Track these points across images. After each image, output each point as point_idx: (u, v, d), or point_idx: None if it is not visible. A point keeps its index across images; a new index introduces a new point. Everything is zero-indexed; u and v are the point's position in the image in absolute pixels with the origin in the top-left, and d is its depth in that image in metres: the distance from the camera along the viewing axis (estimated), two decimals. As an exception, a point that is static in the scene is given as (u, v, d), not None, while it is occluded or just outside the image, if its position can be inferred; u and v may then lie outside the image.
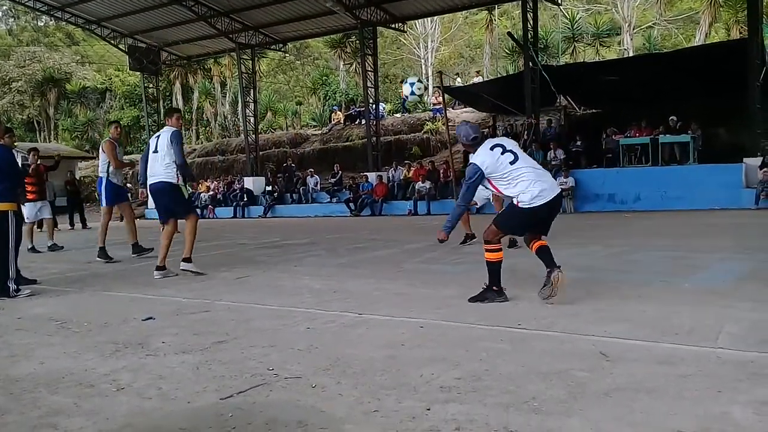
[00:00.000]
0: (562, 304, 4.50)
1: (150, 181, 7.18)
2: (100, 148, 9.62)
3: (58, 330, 4.46)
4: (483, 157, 4.71)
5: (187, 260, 7.05)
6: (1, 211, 6.03)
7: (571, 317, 4.13)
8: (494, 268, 4.82)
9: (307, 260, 8.14)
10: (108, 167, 9.36)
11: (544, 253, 4.70)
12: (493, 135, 21.40)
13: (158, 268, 7.02)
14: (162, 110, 31.96)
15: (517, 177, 4.62)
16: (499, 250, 4.86)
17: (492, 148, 4.73)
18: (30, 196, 10.82)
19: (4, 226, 5.99)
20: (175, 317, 4.72)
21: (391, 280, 6.04)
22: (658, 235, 9.64)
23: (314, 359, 3.41)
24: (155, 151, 7.11)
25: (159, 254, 7.13)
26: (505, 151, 4.71)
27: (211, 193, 25.65)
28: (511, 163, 4.65)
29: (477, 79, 26.66)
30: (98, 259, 9.16)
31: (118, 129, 10.02)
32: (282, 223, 17.87)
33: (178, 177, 7.03)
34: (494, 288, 4.81)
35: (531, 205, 4.60)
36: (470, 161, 4.82)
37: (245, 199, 24.01)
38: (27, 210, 10.73)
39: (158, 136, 7.14)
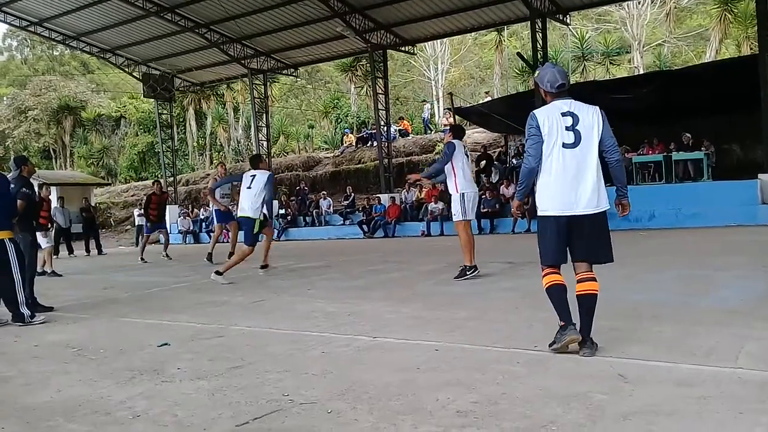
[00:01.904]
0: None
1: (239, 213, 9.11)
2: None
3: (74, 357, 4.48)
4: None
5: (219, 273, 8.79)
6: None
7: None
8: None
9: (321, 283, 8.14)
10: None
11: None
12: (505, 154, 21.43)
13: (218, 273, 8.68)
14: (176, 136, 32.33)
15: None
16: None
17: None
18: (42, 222, 11.46)
19: (4, 254, 6.01)
20: (191, 343, 4.73)
21: (405, 303, 6.02)
22: (674, 254, 9.55)
23: (329, 384, 3.40)
24: (248, 188, 8.78)
25: (226, 264, 8.71)
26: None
27: (224, 217, 25.73)
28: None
29: (488, 99, 26.77)
30: (205, 260, 12.05)
31: (224, 167, 13.76)
32: (295, 246, 17.91)
33: (261, 211, 8.83)
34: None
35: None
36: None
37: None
38: (43, 238, 11.35)
39: (253, 176, 8.70)
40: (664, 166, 16.35)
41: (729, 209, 14.24)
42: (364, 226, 20.45)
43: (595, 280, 3.87)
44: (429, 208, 19.53)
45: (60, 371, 4.07)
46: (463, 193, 7.52)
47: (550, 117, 3.83)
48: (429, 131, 29.78)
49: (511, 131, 21.85)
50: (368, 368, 3.70)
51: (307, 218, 23.51)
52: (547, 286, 3.89)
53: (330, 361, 3.92)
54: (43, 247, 11.04)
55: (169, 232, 16.92)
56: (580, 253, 3.88)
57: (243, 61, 25.24)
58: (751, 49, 23.04)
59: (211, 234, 24.75)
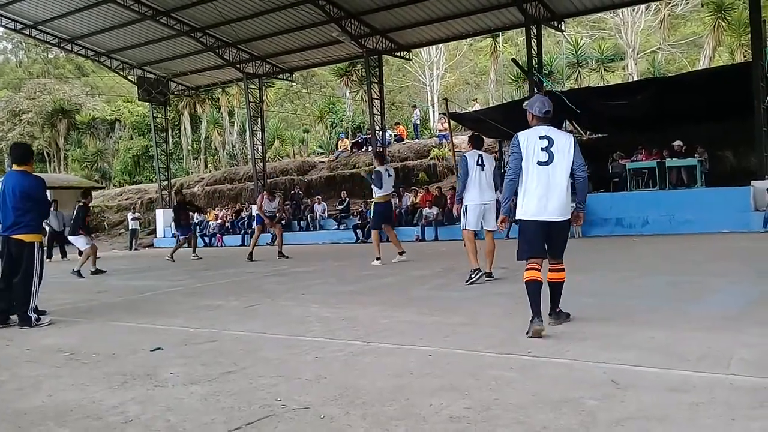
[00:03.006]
0: (571, 331, 4.48)
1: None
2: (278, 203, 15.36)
3: (66, 361, 4.46)
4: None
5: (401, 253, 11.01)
6: (29, 242, 6.11)
7: (581, 344, 4.11)
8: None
9: (315, 288, 8.14)
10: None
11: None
12: (500, 160, 21.47)
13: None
14: (171, 140, 32.27)
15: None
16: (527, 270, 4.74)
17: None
18: (82, 232, 12.52)
19: (31, 257, 6.08)
20: (184, 347, 4.72)
21: (399, 308, 6.02)
22: (667, 260, 9.59)
23: (322, 389, 3.40)
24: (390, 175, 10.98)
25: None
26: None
27: (219, 221, 25.74)
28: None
29: (477, 106, 26.86)
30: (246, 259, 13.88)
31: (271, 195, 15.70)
32: (290, 250, 17.83)
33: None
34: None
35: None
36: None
37: (253, 227, 24.03)
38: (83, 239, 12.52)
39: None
40: (658, 173, 16.43)
41: (722, 216, 14.30)
42: (358, 231, 20.45)
43: (564, 269, 4.83)
44: (423, 213, 19.55)
45: (52, 375, 4.06)
46: (466, 205, 7.75)
47: (529, 138, 4.74)
48: (419, 136, 29.80)
49: (506, 137, 21.89)
50: (362, 373, 3.70)
51: (301, 223, 23.50)
52: (525, 279, 4.67)
53: (323, 366, 3.91)
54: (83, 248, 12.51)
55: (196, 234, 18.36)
56: (553, 251, 4.77)
57: (238, 66, 25.25)
58: (744, 56, 23.16)
59: (206, 238, 24.82)
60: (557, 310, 4.85)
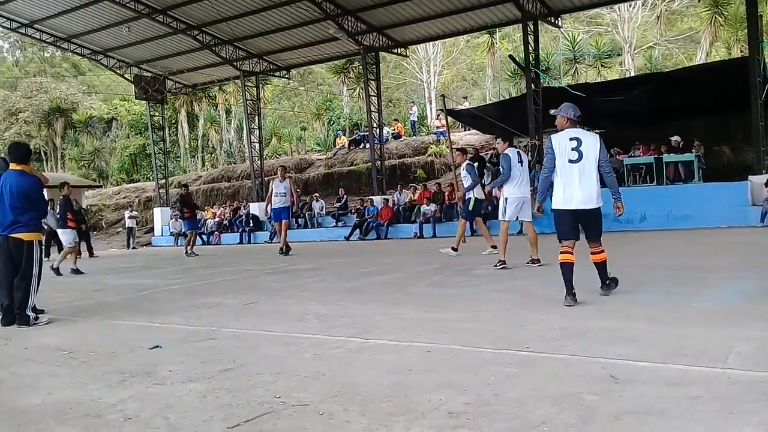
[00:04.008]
0: (570, 326, 4.48)
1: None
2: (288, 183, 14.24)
3: (65, 360, 4.46)
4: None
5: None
6: (27, 241, 6.10)
7: (579, 339, 4.11)
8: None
9: (314, 285, 8.14)
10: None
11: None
12: (497, 156, 21.47)
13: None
14: (168, 138, 32.21)
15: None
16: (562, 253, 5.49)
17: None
18: (71, 224, 12.71)
19: (30, 256, 6.07)
20: (182, 345, 4.71)
21: (397, 305, 6.03)
22: (665, 255, 9.60)
23: (321, 386, 3.40)
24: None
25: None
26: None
27: (217, 219, 25.73)
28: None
29: (466, 104, 26.86)
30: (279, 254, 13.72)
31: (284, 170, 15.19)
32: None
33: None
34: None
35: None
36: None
37: (251, 224, 24.06)
38: (69, 235, 12.70)
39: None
40: (655, 168, 16.43)
41: (720, 211, 14.33)
42: (357, 231, 20.41)
43: (603, 250, 5.64)
44: (421, 209, 19.55)
45: (50, 374, 4.05)
46: (507, 198, 8.49)
47: (561, 140, 5.51)
48: (417, 133, 29.80)
49: (503, 133, 21.87)
50: (360, 370, 3.70)
51: (299, 220, 23.50)
52: (560, 261, 5.43)
53: (322, 363, 3.91)
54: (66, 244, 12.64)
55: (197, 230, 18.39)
56: (590, 235, 5.61)
57: (235, 63, 25.20)
58: (741, 51, 23.19)
59: (204, 236, 24.80)
60: (606, 282, 5.65)
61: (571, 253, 5.39)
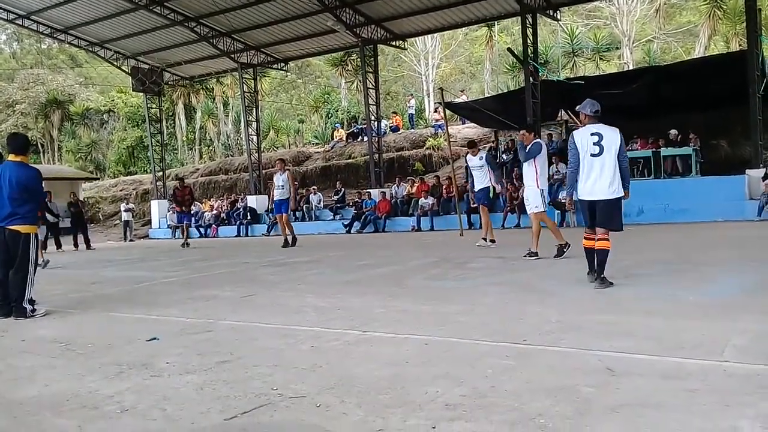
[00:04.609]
0: (567, 319, 4.49)
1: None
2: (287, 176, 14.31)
3: (62, 352, 4.45)
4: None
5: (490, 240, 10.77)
6: (25, 233, 6.09)
7: (576, 332, 4.12)
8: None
9: (311, 278, 8.13)
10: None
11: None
12: (495, 149, 21.46)
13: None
14: (165, 130, 32.12)
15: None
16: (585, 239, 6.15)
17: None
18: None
19: (27, 248, 6.06)
20: (180, 337, 4.71)
21: (395, 297, 6.03)
22: (662, 248, 9.62)
23: (318, 378, 3.40)
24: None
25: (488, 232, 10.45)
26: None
27: (214, 212, 25.69)
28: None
29: (463, 97, 26.80)
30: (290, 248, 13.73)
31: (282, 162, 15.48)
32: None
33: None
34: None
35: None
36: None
37: (249, 217, 24.03)
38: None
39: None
40: (653, 162, 16.44)
41: (717, 205, 14.35)
42: (356, 223, 20.40)
43: (607, 240, 5.91)
44: (419, 203, 19.55)
45: (47, 366, 4.05)
46: (542, 189, 8.71)
47: (583, 136, 5.94)
48: (415, 126, 29.77)
49: (502, 127, 21.87)
50: (358, 362, 3.70)
51: (297, 213, 23.47)
52: (583, 245, 6.18)
53: (319, 355, 3.92)
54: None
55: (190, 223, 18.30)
56: (598, 222, 5.97)
57: (233, 55, 25.12)
58: (739, 45, 23.16)
59: (201, 229, 24.78)
60: (601, 276, 5.81)
61: (593, 239, 5.95)
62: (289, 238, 14.08)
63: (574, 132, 6.06)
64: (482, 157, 10.85)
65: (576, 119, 21.49)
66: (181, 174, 33.13)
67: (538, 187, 8.70)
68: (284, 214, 14.20)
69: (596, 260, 5.91)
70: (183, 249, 16.14)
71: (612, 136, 5.87)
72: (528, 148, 8.71)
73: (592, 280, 5.87)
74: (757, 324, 4.09)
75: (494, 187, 10.87)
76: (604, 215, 5.90)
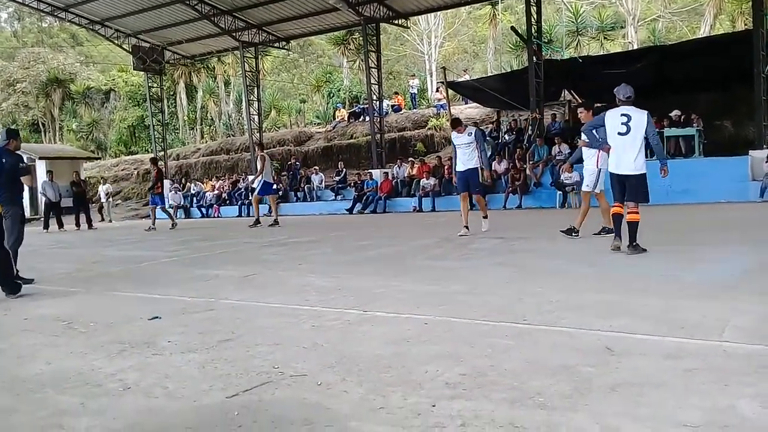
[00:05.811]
0: (567, 299, 4.50)
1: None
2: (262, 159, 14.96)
3: (64, 330, 4.47)
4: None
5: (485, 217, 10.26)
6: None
7: (576, 312, 4.12)
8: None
9: (312, 258, 8.15)
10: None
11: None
12: (498, 130, 21.36)
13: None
14: (166, 110, 32.00)
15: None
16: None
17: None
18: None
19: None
20: (181, 316, 4.73)
21: (396, 277, 6.03)
22: (664, 229, 9.60)
23: (319, 357, 3.41)
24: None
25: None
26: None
27: (216, 192, 25.68)
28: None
29: (466, 77, 26.65)
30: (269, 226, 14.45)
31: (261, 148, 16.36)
32: (287, 221, 17.87)
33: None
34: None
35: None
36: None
37: (250, 197, 24.00)
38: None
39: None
40: (656, 142, 16.35)
41: (720, 186, 14.31)
42: (359, 204, 20.39)
43: (637, 213, 6.67)
44: (421, 183, 19.53)
45: (50, 344, 4.07)
46: (600, 169, 8.45)
47: (612, 116, 6.80)
48: (417, 106, 29.65)
49: (505, 107, 21.74)
50: (358, 341, 3.71)
51: (298, 193, 23.47)
52: (612, 213, 7.12)
53: (320, 334, 3.93)
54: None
55: (158, 206, 17.57)
56: (627, 196, 6.77)
57: (234, 34, 24.95)
58: (745, 24, 22.96)
59: (203, 209, 24.79)
60: (634, 243, 6.55)
61: (621, 208, 6.82)
62: (258, 219, 15.16)
63: (607, 111, 6.86)
64: (471, 132, 9.74)
65: (579, 99, 21.42)
66: (183, 153, 33.09)
67: (597, 166, 8.33)
68: (256, 196, 15.53)
69: (628, 230, 6.58)
70: (173, 230, 15.94)
71: (639, 118, 6.64)
72: (597, 135, 7.41)
73: (614, 247, 6.75)
74: (758, 305, 4.09)
75: (481, 170, 9.71)
76: (632, 190, 6.67)
